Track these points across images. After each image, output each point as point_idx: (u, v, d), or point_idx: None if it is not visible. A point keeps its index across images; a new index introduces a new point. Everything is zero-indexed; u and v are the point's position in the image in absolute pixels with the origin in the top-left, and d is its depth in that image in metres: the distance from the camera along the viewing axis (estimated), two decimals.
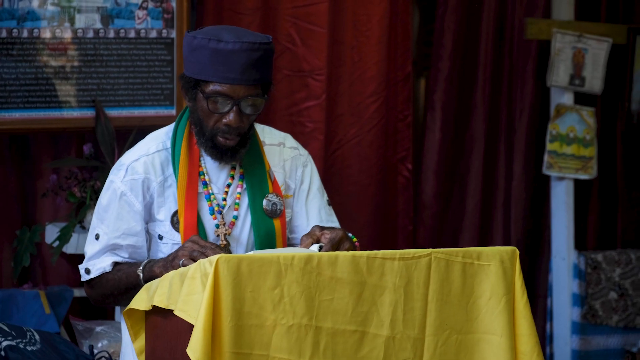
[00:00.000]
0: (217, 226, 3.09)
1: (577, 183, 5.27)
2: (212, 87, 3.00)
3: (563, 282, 5.17)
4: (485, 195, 5.16)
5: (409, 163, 4.92)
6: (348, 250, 2.94)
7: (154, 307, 2.82)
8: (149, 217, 3.10)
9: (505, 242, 5.17)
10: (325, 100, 4.69)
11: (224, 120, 3.02)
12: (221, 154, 3.06)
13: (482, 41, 5.09)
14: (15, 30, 4.19)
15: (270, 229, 3.12)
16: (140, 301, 2.89)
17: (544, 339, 5.22)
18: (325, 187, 4.70)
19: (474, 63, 5.11)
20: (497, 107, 5.17)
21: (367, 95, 4.79)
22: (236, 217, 3.12)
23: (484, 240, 5.17)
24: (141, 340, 2.97)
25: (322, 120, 4.70)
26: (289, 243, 3.23)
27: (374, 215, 4.86)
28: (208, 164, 3.12)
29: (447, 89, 5.05)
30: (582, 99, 5.24)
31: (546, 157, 5.15)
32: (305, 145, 4.65)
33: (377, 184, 4.86)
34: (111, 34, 4.32)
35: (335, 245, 2.94)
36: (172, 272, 2.81)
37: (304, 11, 4.64)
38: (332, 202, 4.73)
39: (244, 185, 3.13)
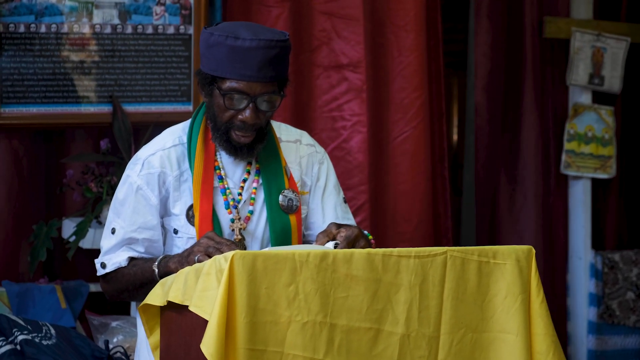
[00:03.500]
0: (232, 221, 3.09)
1: (596, 182, 5.25)
2: (228, 84, 3.00)
3: (580, 282, 5.15)
4: (545, 196, 5.12)
5: (445, 163, 4.85)
6: (363, 248, 2.93)
7: (169, 302, 2.82)
8: (164, 212, 3.11)
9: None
10: (366, 92, 4.63)
11: (240, 116, 3.02)
12: (236, 150, 3.07)
13: (526, 37, 5.04)
14: (33, 26, 4.19)
15: (286, 225, 3.11)
16: (156, 297, 2.89)
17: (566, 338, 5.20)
18: (372, 182, 4.67)
19: (518, 59, 5.06)
20: (553, 104, 5.12)
21: (410, 90, 4.70)
22: (252, 212, 3.12)
23: (550, 240, 5.13)
24: (156, 336, 2.97)
25: (364, 113, 4.60)
26: (304, 240, 3.23)
27: (426, 215, 4.76)
28: (224, 158, 3.12)
29: (487, 86, 5.00)
30: (601, 98, 5.22)
31: (564, 157, 5.13)
32: (348, 139, 4.62)
33: (427, 182, 4.76)
34: (129, 30, 4.32)
35: (351, 243, 2.93)
36: (187, 268, 2.80)
37: (337, 4, 4.59)
38: (384, 201, 4.69)
39: (260, 181, 3.13)
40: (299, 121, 4.49)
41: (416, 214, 4.73)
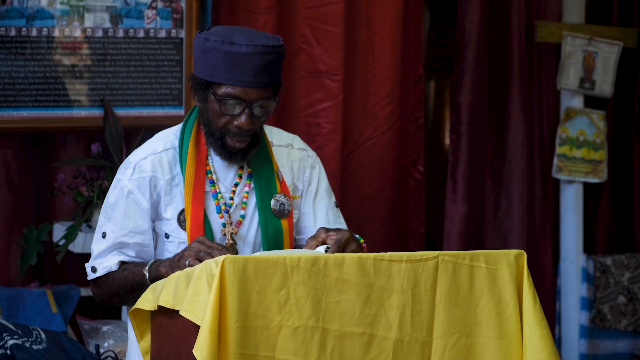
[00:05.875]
0: (224, 225, 3.08)
1: (586, 187, 5.25)
2: (224, 90, 2.99)
3: (571, 286, 5.15)
4: (530, 201, 5.12)
5: (420, 165, 4.89)
6: (354, 251, 2.93)
7: (160, 307, 2.82)
8: (155, 216, 3.10)
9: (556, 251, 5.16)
10: (342, 101, 4.66)
11: (235, 122, 3.01)
12: (231, 155, 3.07)
13: (513, 41, 5.03)
14: (24, 29, 4.18)
15: (277, 229, 3.11)
16: (146, 301, 2.88)
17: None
18: (342, 189, 4.71)
19: (505, 63, 5.05)
20: (538, 109, 5.12)
21: (382, 97, 4.76)
22: (243, 217, 3.11)
23: (535, 249, 5.12)
24: (147, 341, 2.96)
25: (339, 122, 4.65)
26: (295, 244, 3.22)
27: (389, 218, 4.82)
28: (215, 162, 3.12)
29: (474, 89, 5.00)
30: (592, 102, 5.22)
31: (555, 161, 5.13)
32: (323, 146, 4.66)
33: (392, 187, 4.82)
34: (120, 34, 4.32)
35: (342, 247, 2.93)
36: (178, 273, 2.80)
37: (319, 11, 4.61)
38: (348, 204, 4.72)
39: (252, 185, 3.13)
40: (277, 125, 4.51)
41: (378, 217, 4.79)
